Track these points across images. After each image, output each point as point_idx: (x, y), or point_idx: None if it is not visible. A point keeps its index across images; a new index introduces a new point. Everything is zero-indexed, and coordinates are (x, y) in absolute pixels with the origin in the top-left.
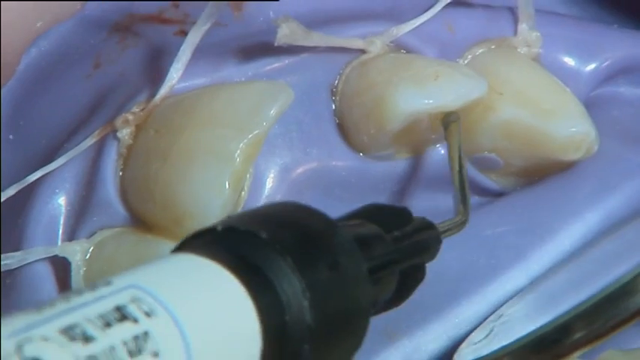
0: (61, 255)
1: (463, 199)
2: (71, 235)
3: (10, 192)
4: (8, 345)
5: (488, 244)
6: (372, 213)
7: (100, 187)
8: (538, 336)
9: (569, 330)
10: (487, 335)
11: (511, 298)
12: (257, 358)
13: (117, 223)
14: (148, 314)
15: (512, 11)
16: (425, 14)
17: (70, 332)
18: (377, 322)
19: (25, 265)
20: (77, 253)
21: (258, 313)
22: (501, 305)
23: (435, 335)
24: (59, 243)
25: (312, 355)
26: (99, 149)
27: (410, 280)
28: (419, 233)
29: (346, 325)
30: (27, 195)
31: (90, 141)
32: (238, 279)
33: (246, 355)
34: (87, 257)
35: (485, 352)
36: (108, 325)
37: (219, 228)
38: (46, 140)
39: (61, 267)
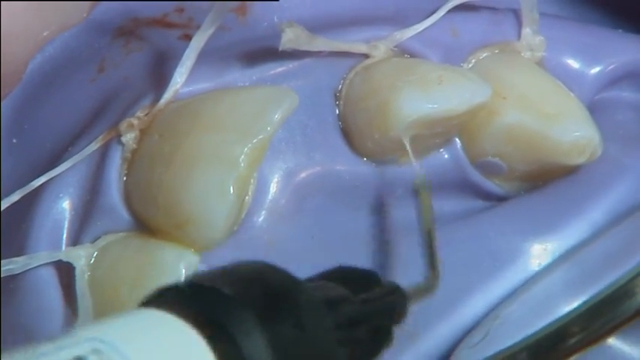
0: (65, 260)
1: (432, 264)
2: (75, 240)
3: (14, 197)
4: None
5: (492, 248)
6: (340, 275)
7: (104, 191)
8: (535, 340)
9: (565, 334)
10: (484, 337)
11: (509, 297)
12: None
13: (121, 228)
14: None
15: (516, 15)
16: (429, 19)
17: None
18: None
19: (29, 269)
20: (81, 257)
21: None
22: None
23: (440, 338)
24: (63, 248)
25: None
26: (103, 154)
27: (376, 343)
28: (386, 296)
29: None
30: (31, 199)
31: (94, 145)
32: (201, 334)
33: None
34: (91, 262)
35: (482, 355)
36: None
37: (184, 284)
38: (50, 144)
39: (65, 272)
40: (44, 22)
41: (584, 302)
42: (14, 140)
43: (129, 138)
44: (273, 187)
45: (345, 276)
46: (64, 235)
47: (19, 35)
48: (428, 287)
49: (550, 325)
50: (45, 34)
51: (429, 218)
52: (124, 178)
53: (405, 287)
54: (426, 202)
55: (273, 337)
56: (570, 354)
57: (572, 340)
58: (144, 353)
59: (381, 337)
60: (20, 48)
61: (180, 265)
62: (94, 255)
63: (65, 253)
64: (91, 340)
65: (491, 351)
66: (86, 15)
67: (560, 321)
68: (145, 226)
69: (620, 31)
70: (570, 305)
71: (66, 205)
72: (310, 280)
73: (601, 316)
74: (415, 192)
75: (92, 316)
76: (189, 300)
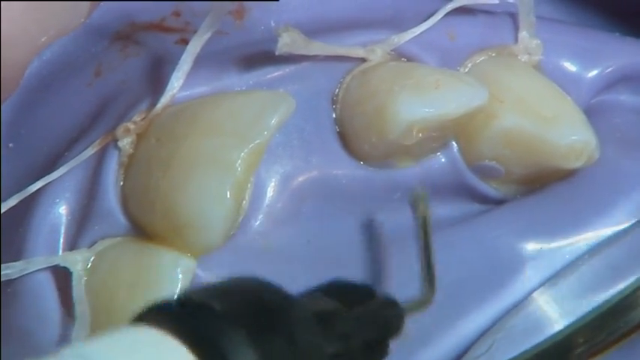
0: (62, 264)
1: (429, 279)
2: (72, 245)
3: (11, 202)
4: None
5: (489, 252)
6: (335, 289)
7: (101, 196)
8: (540, 351)
9: (570, 345)
10: (488, 349)
11: (512, 309)
12: None
13: (118, 233)
14: None
15: (513, 19)
16: (426, 22)
17: None
18: None
19: (26, 274)
20: (78, 262)
21: None
22: (503, 317)
23: (439, 349)
24: (60, 252)
25: None
26: (100, 158)
27: (372, 356)
28: (381, 310)
29: None
30: (28, 204)
31: (91, 150)
32: (192, 352)
33: None
34: (88, 266)
35: None
36: None
37: (176, 301)
38: (47, 149)
39: (62, 276)
40: (42, 27)
41: (589, 313)
42: (11, 145)
43: (125, 142)
44: (270, 192)
45: (339, 290)
46: (61, 240)
47: (18, 40)
48: (424, 301)
49: (555, 336)
50: (43, 39)
51: (428, 232)
52: (121, 183)
53: (400, 301)
54: (423, 214)
55: (265, 354)
56: None
57: (577, 351)
58: None
59: (376, 351)
60: (19, 53)
61: (177, 270)
62: (91, 260)
63: (62, 257)
64: (78, 358)
65: None
66: (84, 20)
67: (565, 332)
68: (142, 230)
69: (617, 34)
70: (573, 317)
71: (63, 209)
72: (303, 294)
73: (605, 327)
74: (412, 204)
75: (89, 320)
76: (180, 317)
